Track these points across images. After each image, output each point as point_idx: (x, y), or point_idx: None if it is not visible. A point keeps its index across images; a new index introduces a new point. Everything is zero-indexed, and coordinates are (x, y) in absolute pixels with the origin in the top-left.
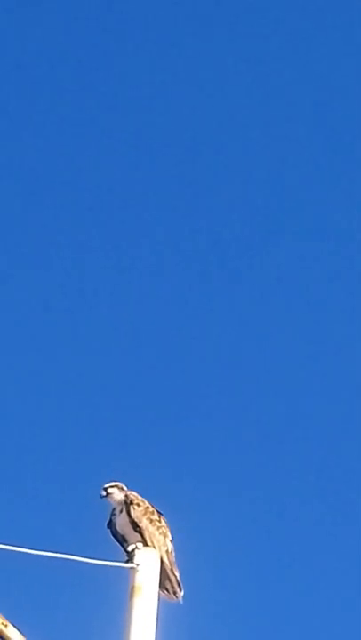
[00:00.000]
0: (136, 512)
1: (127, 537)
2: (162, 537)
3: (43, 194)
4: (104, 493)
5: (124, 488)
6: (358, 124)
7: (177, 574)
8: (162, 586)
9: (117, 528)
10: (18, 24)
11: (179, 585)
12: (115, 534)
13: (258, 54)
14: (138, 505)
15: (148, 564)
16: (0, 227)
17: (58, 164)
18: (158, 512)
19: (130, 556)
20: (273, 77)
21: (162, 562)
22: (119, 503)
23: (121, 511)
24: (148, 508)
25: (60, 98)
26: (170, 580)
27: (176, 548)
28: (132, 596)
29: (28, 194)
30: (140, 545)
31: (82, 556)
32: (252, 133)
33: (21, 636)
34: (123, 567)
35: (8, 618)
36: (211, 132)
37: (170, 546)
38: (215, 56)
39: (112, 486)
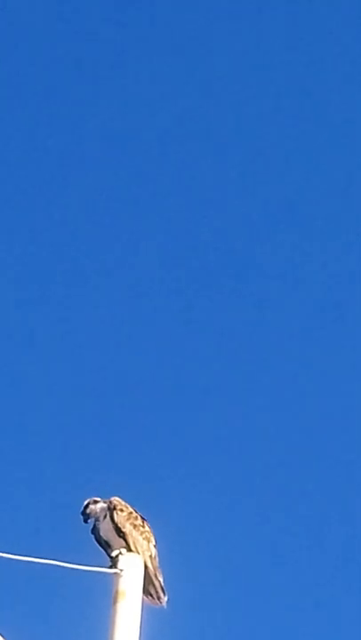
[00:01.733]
0: (119, 517)
1: (111, 542)
2: (145, 542)
3: (41, 193)
4: (85, 518)
5: (98, 499)
6: (358, 121)
7: (161, 579)
8: (146, 591)
9: (101, 533)
10: (18, 24)
11: (163, 590)
12: (98, 540)
13: (257, 57)
14: (121, 510)
15: (131, 569)
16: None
17: (57, 159)
18: (142, 517)
19: (114, 562)
20: (274, 78)
21: (145, 567)
22: (102, 510)
23: (105, 517)
24: (131, 513)
25: (60, 98)
26: (154, 585)
27: (160, 553)
28: (115, 601)
29: (25, 192)
30: (123, 550)
31: (65, 562)
32: (252, 130)
33: None
34: (106, 572)
35: None
36: (211, 128)
37: (153, 551)
38: (214, 57)
39: (86, 507)
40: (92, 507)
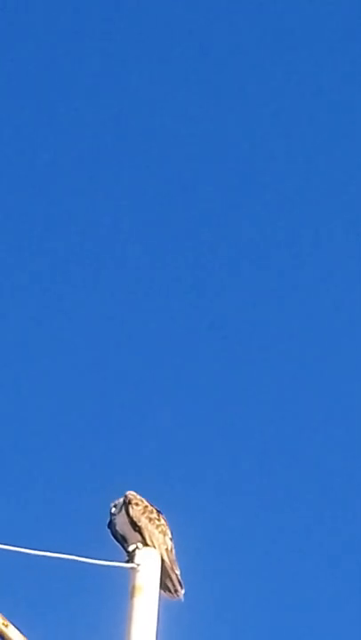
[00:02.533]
0: (134, 511)
1: (127, 536)
2: (161, 535)
3: (40, 191)
4: (114, 510)
5: (118, 502)
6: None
7: (177, 572)
8: (163, 585)
9: (117, 528)
10: (18, 24)
11: (180, 583)
12: (114, 534)
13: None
14: (136, 504)
15: (148, 563)
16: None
17: (55, 157)
18: (157, 510)
19: (130, 556)
20: (274, 78)
21: (162, 560)
22: (117, 504)
23: (120, 511)
24: (146, 506)
25: (60, 97)
26: (170, 579)
27: (176, 546)
28: (132, 595)
29: (25, 191)
30: (140, 545)
31: (82, 556)
32: (252, 128)
33: (22, 637)
34: (123, 567)
35: (9, 618)
36: (211, 126)
37: (170, 544)
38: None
39: (113, 508)
40: (113, 508)
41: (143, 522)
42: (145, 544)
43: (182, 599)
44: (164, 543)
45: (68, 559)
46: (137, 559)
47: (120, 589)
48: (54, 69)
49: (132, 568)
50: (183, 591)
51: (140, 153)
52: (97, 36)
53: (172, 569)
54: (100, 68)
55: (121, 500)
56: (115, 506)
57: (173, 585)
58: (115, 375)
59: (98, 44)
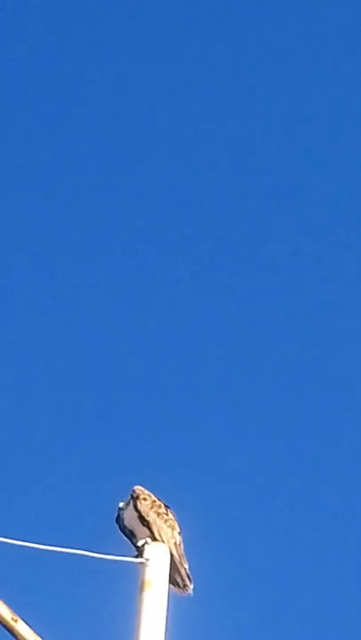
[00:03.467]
0: (143, 506)
1: (135, 531)
2: (170, 530)
3: (40, 189)
4: (122, 505)
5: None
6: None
7: (186, 567)
8: (172, 579)
9: (125, 522)
10: (18, 24)
11: (188, 577)
12: (122, 529)
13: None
14: (145, 499)
15: (157, 558)
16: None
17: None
18: (165, 505)
19: (139, 551)
20: (273, 76)
21: (171, 555)
22: (125, 499)
23: (128, 505)
24: (154, 501)
25: (59, 98)
26: (179, 573)
27: (184, 540)
28: (141, 590)
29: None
30: (149, 540)
31: (92, 551)
32: (251, 124)
33: (31, 631)
34: (132, 562)
35: (18, 613)
36: (210, 125)
37: (178, 538)
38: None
39: (121, 503)
40: (122, 504)
41: (152, 516)
42: (154, 539)
43: (191, 594)
44: (173, 537)
45: (77, 554)
46: (146, 554)
47: (129, 584)
48: (54, 69)
49: (141, 563)
50: (192, 586)
51: (140, 152)
52: (97, 34)
53: (181, 563)
54: (99, 66)
55: (129, 495)
56: (123, 501)
57: (182, 579)
58: (122, 371)
59: (97, 43)
